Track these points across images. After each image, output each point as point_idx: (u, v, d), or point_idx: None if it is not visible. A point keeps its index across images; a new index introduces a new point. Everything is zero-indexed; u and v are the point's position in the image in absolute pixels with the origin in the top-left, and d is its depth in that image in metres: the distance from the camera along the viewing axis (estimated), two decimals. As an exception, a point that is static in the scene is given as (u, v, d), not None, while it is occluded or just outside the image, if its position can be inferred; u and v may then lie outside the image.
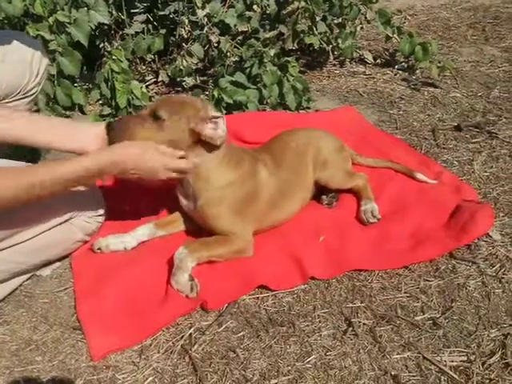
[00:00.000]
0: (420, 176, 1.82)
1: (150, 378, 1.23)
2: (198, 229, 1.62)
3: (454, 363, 1.23)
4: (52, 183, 1.31)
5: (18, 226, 1.40)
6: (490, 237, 1.60)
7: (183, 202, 1.59)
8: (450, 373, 1.20)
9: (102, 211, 1.60)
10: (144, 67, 2.81)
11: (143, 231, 1.60)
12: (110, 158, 1.38)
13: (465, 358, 1.24)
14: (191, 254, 1.44)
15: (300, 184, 1.69)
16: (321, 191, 1.77)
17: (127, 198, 1.77)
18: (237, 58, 2.46)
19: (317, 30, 2.67)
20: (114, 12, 2.54)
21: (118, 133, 1.43)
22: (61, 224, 1.49)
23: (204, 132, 1.44)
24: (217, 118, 1.44)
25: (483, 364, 1.22)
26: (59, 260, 1.57)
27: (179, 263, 1.42)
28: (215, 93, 2.23)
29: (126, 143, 1.42)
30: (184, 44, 2.53)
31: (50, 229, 1.47)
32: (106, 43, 2.71)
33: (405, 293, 1.43)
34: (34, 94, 1.71)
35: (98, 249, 1.56)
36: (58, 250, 1.54)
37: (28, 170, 1.39)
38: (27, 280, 1.51)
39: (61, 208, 1.48)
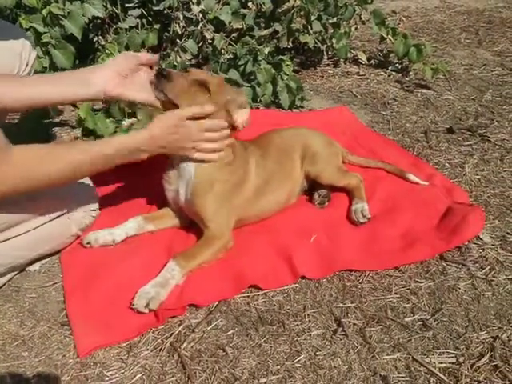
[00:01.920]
0: (412, 177, 1.82)
1: (138, 376, 1.22)
2: (187, 225, 1.64)
3: (443, 365, 1.23)
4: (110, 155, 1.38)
5: (17, 218, 1.39)
6: (481, 239, 1.60)
7: (169, 190, 1.60)
8: (439, 374, 1.20)
9: (96, 206, 1.61)
10: (137, 62, 2.79)
11: (131, 224, 1.60)
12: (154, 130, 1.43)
13: (454, 360, 1.24)
14: (183, 269, 1.42)
15: (285, 176, 1.71)
16: (313, 189, 1.78)
17: (119, 195, 1.76)
18: (231, 56, 2.44)
19: (312, 29, 2.67)
20: (108, 6, 2.52)
21: (170, 86, 1.45)
22: (57, 218, 1.48)
23: (236, 118, 1.53)
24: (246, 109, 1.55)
25: (472, 366, 1.22)
26: (49, 255, 1.56)
27: (170, 279, 1.40)
28: (209, 90, 2.22)
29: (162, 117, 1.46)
30: (178, 40, 2.52)
31: (46, 222, 1.46)
32: (100, 37, 2.69)
33: (395, 294, 1.43)
34: None
35: (88, 243, 1.55)
36: (54, 244, 1.53)
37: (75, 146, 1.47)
38: (15, 274, 1.49)
39: (57, 202, 1.47)
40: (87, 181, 1.62)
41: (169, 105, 1.48)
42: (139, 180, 1.81)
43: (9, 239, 1.39)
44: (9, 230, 1.39)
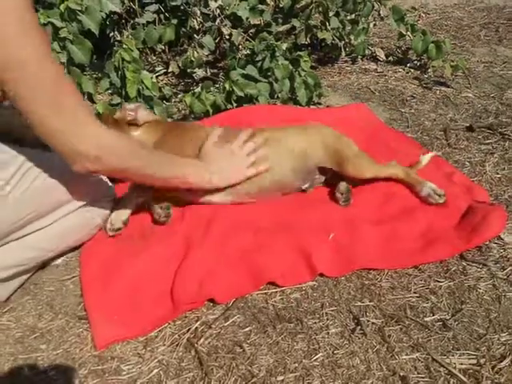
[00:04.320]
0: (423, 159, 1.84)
1: (155, 371, 1.22)
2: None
3: (464, 366, 1.21)
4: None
5: (45, 206, 1.40)
6: (502, 239, 1.57)
7: None
8: (460, 375, 1.18)
9: (113, 196, 1.62)
10: (154, 58, 2.80)
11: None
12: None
13: (474, 361, 1.22)
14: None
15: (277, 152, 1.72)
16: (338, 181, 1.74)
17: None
18: (248, 51, 2.43)
19: (329, 25, 2.65)
20: (125, 1, 2.52)
21: None
22: (81, 208, 1.49)
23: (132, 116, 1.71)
24: (134, 109, 1.73)
25: (493, 368, 1.20)
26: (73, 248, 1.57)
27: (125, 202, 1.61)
28: (227, 85, 2.21)
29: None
30: (195, 35, 2.51)
31: (72, 212, 1.46)
32: (117, 32, 2.70)
33: (414, 293, 1.41)
34: None
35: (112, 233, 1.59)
36: (80, 235, 1.54)
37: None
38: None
39: (80, 191, 1.47)
40: None
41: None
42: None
43: (38, 230, 1.40)
44: (38, 221, 1.39)
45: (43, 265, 1.50)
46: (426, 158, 1.85)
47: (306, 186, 1.76)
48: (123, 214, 1.61)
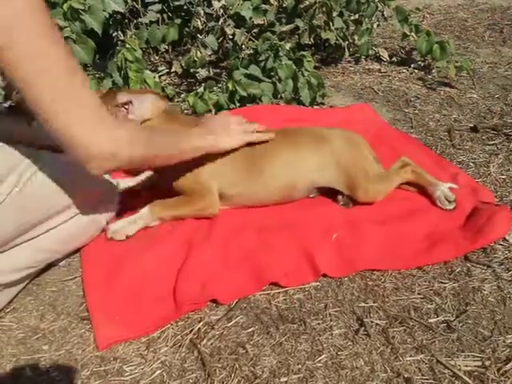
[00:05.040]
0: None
1: (158, 372, 1.21)
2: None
3: (469, 368, 1.20)
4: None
5: (52, 210, 1.38)
6: (507, 241, 1.56)
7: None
8: (465, 378, 1.17)
9: (117, 198, 1.60)
10: (157, 57, 2.80)
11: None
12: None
13: (479, 364, 1.21)
14: (153, 215, 1.60)
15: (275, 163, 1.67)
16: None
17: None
18: (251, 51, 2.43)
19: (333, 25, 2.64)
20: (128, 0, 2.52)
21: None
22: (88, 209, 1.47)
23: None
24: (127, 102, 1.55)
25: (498, 370, 1.19)
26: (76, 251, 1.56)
27: (137, 219, 1.58)
28: (230, 85, 2.20)
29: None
30: (198, 35, 2.51)
31: (78, 214, 1.45)
32: (120, 32, 2.70)
33: (418, 294, 1.40)
34: None
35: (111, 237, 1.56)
36: (86, 236, 1.53)
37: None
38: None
39: (85, 192, 1.45)
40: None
41: None
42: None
43: (48, 232, 1.39)
44: (46, 223, 1.38)
45: (46, 266, 1.49)
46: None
47: (313, 195, 1.75)
48: (130, 230, 1.57)
